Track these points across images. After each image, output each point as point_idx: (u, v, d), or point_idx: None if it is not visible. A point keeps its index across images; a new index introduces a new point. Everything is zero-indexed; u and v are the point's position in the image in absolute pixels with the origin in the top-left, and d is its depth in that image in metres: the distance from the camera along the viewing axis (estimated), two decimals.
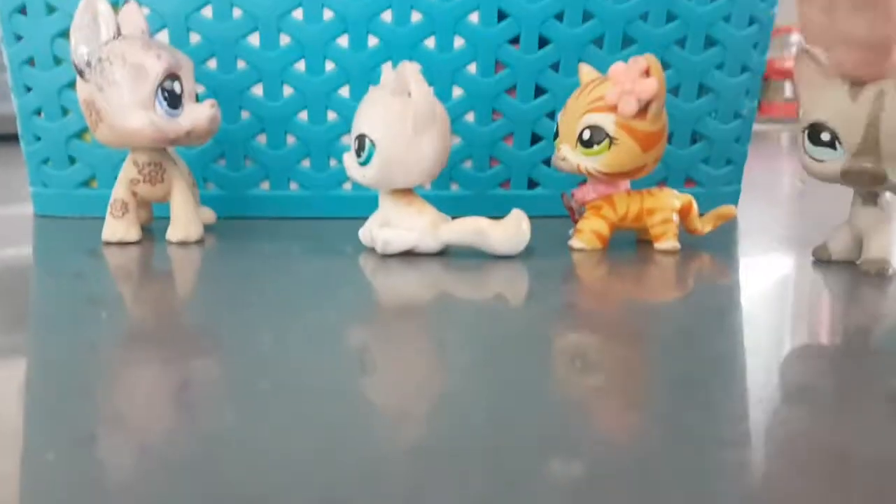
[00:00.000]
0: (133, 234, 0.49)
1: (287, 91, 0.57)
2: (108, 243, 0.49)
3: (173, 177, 0.50)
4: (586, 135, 0.46)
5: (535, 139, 0.59)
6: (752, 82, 0.60)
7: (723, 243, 0.51)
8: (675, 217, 0.48)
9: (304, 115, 0.57)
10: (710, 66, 0.59)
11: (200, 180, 0.58)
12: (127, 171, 0.49)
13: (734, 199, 0.62)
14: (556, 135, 0.49)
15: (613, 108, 0.45)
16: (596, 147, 0.46)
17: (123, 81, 0.45)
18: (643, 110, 0.45)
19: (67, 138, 0.57)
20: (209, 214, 0.54)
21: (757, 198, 0.68)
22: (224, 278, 0.42)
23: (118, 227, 0.49)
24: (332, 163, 0.59)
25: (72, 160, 0.58)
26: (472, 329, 0.33)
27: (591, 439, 0.22)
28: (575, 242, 0.48)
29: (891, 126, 0.39)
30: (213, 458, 0.21)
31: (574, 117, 0.47)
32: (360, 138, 0.44)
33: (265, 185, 0.59)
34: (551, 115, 0.59)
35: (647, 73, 0.44)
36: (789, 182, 0.90)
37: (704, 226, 0.50)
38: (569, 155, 0.47)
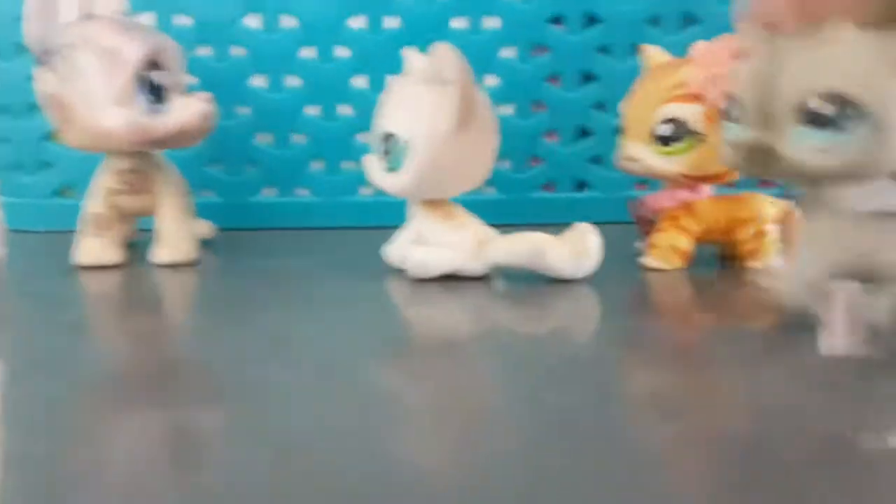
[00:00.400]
0: (112, 255, 0.41)
1: (293, 81, 0.49)
2: (84, 267, 0.41)
3: (160, 185, 0.42)
4: (665, 130, 0.38)
5: (584, 133, 0.51)
6: None
7: None
8: (772, 228, 0.39)
9: (313, 110, 0.49)
10: None
11: (193, 187, 0.49)
12: (103, 180, 0.41)
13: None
14: (620, 129, 0.41)
15: (699, 98, 0.37)
16: (677, 145, 0.38)
17: (95, 70, 0.37)
18: None
19: (39, 139, 0.49)
20: (206, 228, 0.46)
21: None
22: (223, 306, 0.34)
23: (94, 248, 0.41)
24: (348, 164, 0.50)
25: (45, 165, 0.50)
26: (526, 373, 0.25)
27: None
28: (650, 260, 0.40)
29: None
30: None
31: (646, 108, 0.39)
32: (389, 139, 0.36)
33: (269, 192, 0.51)
34: (602, 106, 0.50)
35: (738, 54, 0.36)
36: None
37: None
38: (641, 154, 0.39)
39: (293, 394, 0.25)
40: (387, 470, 0.20)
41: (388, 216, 0.50)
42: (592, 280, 0.38)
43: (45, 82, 0.38)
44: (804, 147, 0.27)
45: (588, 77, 0.50)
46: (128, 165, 0.41)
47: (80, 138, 0.38)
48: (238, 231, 0.49)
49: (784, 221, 0.40)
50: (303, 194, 0.51)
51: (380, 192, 0.49)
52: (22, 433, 0.22)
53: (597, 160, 0.52)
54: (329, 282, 0.38)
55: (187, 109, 0.40)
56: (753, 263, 0.39)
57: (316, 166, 0.51)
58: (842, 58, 0.26)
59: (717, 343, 0.30)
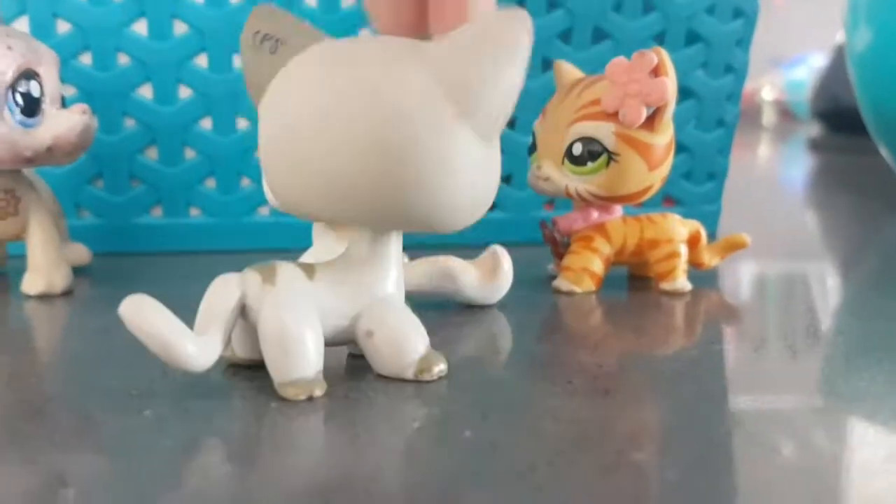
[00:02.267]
0: None
1: (184, 92, 0.45)
2: None
3: (30, 207, 0.38)
4: (577, 149, 0.36)
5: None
6: (735, 85, 0.52)
7: (725, 277, 0.42)
8: (683, 249, 0.38)
9: (206, 123, 0.46)
10: (693, 65, 0.50)
11: (70, 207, 0.45)
12: None
13: (714, 219, 0.54)
14: (531, 148, 0.39)
15: (614, 116, 0.36)
16: (590, 164, 0.36)
17: None
18: (651, 118, 0.36)
19: None
20: (81, 252, 0.42)
21: (736, 215, 0.60)
22: (101, 344, 0.30)
23: None
24: (245, 182, 0.47)
25: None
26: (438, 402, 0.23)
27: None
28: (562, 284, 0.38)
29: None
30: None
31: (558, 127, 0.37)
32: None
33: (157, 212, 0.47)
34: (511, 125, 0.49)
35: (655, 71, 0.35)
36: (760, 191, 0.83)
37: (712, 258, 0.41)
38: (553, 174, 0.37)
39: (180, 448, 0.22)
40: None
41: (287, 238, 0.47)
42: (503, 304, 0.36)
43: None
44: None
45: None
46: None
47: None
48: (121, 255, 0.45)
49: (692, 241, 0.39)
50: (195, 214, 0.47)
51: (279, 213, 0.47)
52: None
53: (505, 179, 0.50)
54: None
55: (62, 123, 0.36)
56: (664, 285, 0.38)
57: (209, 184, 0.47)
58: None
59: (628, 369, 0.28)
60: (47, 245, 0.37)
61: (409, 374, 0.26)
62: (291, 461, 0.21)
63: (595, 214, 0.38)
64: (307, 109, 0.23)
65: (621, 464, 0.21)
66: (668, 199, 0.53)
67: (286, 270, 0.25)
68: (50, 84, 0.36)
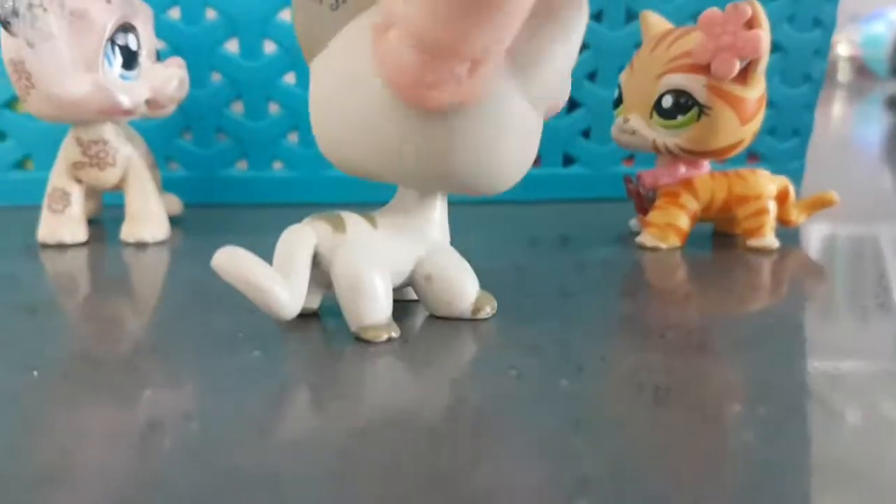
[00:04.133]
0: (78, 233, 0.38)
1: (269, 47, 0.46)
2: (46, 245, 0.38)
3: (128, 158, 0.39)
4: (667, 102, 0.36)
5: (572, 106, 0.49)
6: (823, 39, 0.51)
7: (805, 236, 0.42)
8: (772, 206, 0.38)
9: (290, 78, 0.46)
10: (779, 17, 0.49)
11: (161, 160, 0.47)
12: (67, 153, 0.38)
13: (798, 176, 0.53)
14: (617, 101, 0.39)
15: (706, 69, 0.35)
16: (680, 118, 0.36)
17: (62, 34, 0.34)
18: (743, 71, 0.35)
19: None
20: (173, 203, 0.43)
21: (812, 174, 0.59)
22: (196, 289, 0.31)
23: (58, 226, 0.38)
24: None
25: (1, 136, 0.47)
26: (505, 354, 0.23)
27: None
28: (647, 239, 0.38)
29: None
30: None
31: (647, 79, 0.37)
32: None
33: (242, 165, 0.48)
34: (592, 77, 0.48)
35: (749, 23, 0.34)
36: (835, 150, 0.81)
37: (799, 215, 0.40)
38: (641, 128, 0.37)
39: (259, 380, 0.23)
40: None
41: (367, 192, 0.48)
42: (585, 260, 0.36)
43: (8, 47, 0.35)
44: None
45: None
46: (94, 137, 0.38)
47: (44, 107, 0.35)
48: (209, 207, 0.47)
49: (781, 198, 0.39)
50: (277, 168, 0.48)
51: None
52: None
53: (585, 134, 0.50)
54: None
55: (159, 76, 0.37)
56: (752, 241, 0.38)
57: (292, 138, 0.48)
58: None
59: (715, 326, 0.28)
60: (145, 194, 0.39)
61: (467, 314, 0.27)
62: (378, 397, 0.22)
63: (682, 169, 0.38)
64: (363, 71, 0.23)
65: (706, 418, 0.21)
66: (753, 155, 0.52)
67: (352, 220, 0.26)
68: (146, 37, 0.37)
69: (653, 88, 0.36)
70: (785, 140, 0.52)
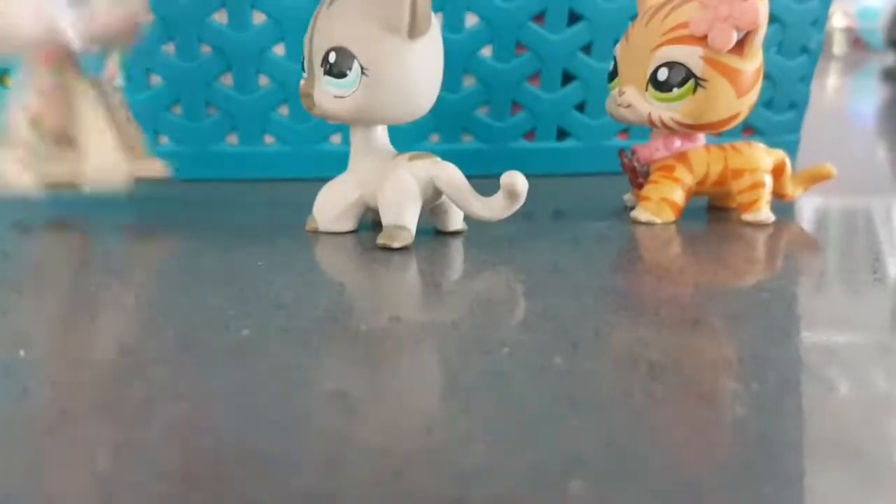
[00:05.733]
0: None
1: (258, 17, 0.45)
2: None
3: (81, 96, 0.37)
4: (662, 74, 0.35)
5: (567, 79, 0.49)
6: (821, 9, 0.50)
7: (801, 209, 0.41)
8: (768, 179, 0.38)
9: (279, 49, 0.46)
10: None
11: (150, 133, 0.46)
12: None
13: (794, 149, 0.52)
14: (612, 74, 0.38)
15: (702, 40, 0.34)
16: (676, 90, 0.35)
17: None
18: (740, 43, 0.34)
19: None
20: (158, 166, 0.41)
21: (806, 147, 0.58)
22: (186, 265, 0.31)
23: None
24: None
25: None
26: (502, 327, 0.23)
27: None
28: (641, 214, 0.38)
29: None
30: None
31: (642, 51, 0.36)
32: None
33: (233, 139, 0.47)
34: (587, 50, 0.48)
35: None
36: (830, 122, 0.80)
37: (795, 189, 0.40)
38: (636, 101, 0.37)
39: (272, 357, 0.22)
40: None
41: None
42: (579, 236, 0.36)
43: None
44: (325, 93, 0.33)
45: (575, 17, 0.47)
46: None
47: None
48: (198, 182, 0.46)
49: (777, 171, 0.38)
50: (268, 142, 0.48)
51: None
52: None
53: (579, 108, 0.49)
54: (299, 242, 0.35)
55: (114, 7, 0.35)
56: (747, 215, 0.38)
57: (283, 111, 0.47)
58: (342, 18, 0.32)
59: (710, 301, 0.28)
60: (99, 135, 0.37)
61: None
62: (369, 375, 0.21)
63: (678, 143, 0.37)
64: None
65: (701, 394, 0.21)
66: (748, 128, 0.52)
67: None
68: None
69: (648, 61, 0.36)
70: (781, 113, 0.52)
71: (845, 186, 0.48)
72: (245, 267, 0.31)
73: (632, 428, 0.19)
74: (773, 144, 0.46)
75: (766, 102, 0.51)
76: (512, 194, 0.31)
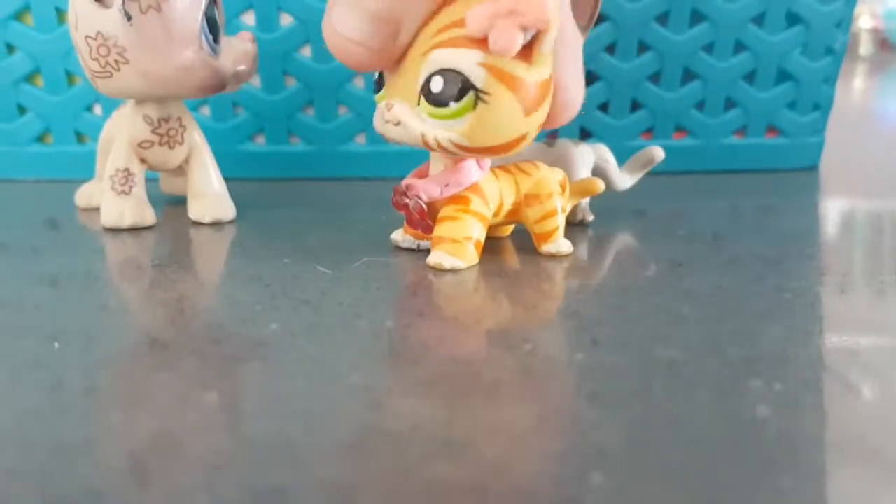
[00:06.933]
0: (148, 216, 0.37)
1: (285, 20, 0.46)
2: (116, 230, 0.36)
3: (193, 137, 0.38)
4: (436, 85, 0.28)
5: (689, 77, 0.49)
6: (846, 10, 0.50)
7: (826, 210, 0.41)
8: (560, 204, 0.32)
9: (306, 51, 0.46)
10: None
11: None
12: (133, 131, 0.36)
13: (818, 151, 0.52)
14: (377, 86, 0.31)
15: (482, 43, 0.27)
16: (454, 105, 0.28)
17: (163, 6, 0.33)
18: (528, 46, 0.27)
19: (15, 82, 0.46)
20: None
21: (832, 148, 0.58)
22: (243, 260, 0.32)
23: (126, 208, 0.36)
24: (342, 110, 0.48)
25: (21, 110, 0.47)
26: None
27: None
28: (444, 258, 0.30)
29: None
30: None
31: (412, 56, 0.29)
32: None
33: (260, 140, 0.48)
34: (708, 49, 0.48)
35: None
36: (856, 124, 0.80)
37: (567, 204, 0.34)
38: (406, 118, 0.29)
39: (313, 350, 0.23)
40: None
41: (383, 166, 0.48)
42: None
43: (92, 21, 0.33)
44: None
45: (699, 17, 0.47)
46: (165, 114, 0.37)
47: (136, 82, 0.34)
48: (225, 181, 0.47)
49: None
50: (295, 143, 0.48)
51: (377, 141, 0.48)
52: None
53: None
54: (319, 238, 0.36)
55: (236, 50, 0.36)
56: (549, 247, 0.32)
57: (308, 112, 0.48)
58: None
59: (731, 300, 0.28)
60: (211, 173, 0.39)
61: None
62: (393, 370, 0.22)
63: (475, 173, 0.31)
64: None
65: (722, 392, 0.21)
66: (772, 129, 0.51)
67: None
68: (220, 10, 0.36)
69: (419, 68, 0.28)
70: (805, 114, 0.51)
71: (871, 188, 0.48)
72: (271, 265, 0.31)
73: (652, 424, 0.19)
74: (796, 146, 0.46)
75: (791, 104, 0.51)
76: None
